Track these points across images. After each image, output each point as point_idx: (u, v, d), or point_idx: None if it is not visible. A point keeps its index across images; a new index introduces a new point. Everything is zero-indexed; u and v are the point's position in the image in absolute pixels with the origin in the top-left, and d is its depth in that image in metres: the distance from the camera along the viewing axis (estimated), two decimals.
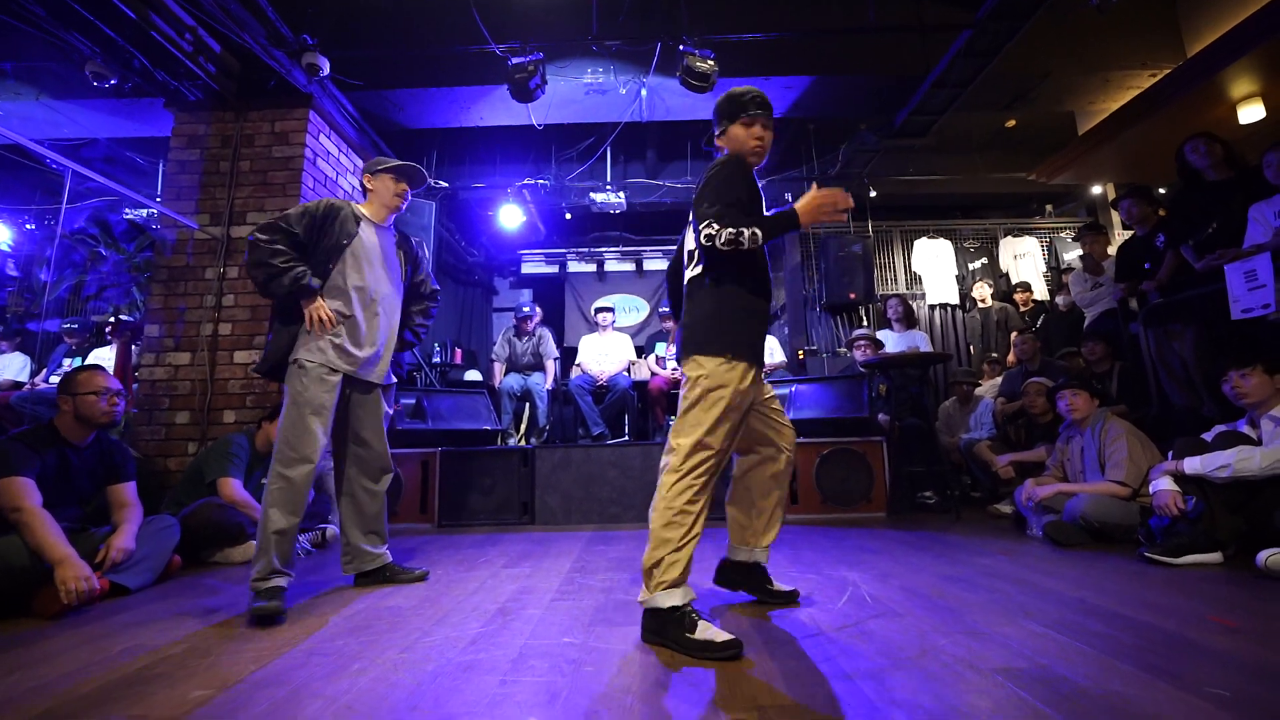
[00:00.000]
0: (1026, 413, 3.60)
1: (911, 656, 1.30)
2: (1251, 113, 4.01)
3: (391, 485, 3.44)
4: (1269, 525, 2.03)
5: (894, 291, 6.48)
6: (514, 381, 4.52)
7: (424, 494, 3.54)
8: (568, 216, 6.33)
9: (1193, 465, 2.22)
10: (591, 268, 7.64)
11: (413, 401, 3.82)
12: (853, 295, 5.70)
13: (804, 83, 4.49)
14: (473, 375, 5.97)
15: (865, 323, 6.08)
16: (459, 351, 5.57)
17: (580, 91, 4.50)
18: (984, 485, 3.95)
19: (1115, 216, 5.76)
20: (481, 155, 5.96)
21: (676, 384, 4.68)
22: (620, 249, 7.57)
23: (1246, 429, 2.30)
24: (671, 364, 4.84)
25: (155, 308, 3.40)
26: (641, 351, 5.40)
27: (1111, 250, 4.35)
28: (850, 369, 4.46)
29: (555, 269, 7.60)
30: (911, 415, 4.08)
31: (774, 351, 5.02)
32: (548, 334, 4.80)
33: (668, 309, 5.15)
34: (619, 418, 4.79)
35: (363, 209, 2.13)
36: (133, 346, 3.74)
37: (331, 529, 3.04)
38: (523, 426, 5.31)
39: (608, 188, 5.59)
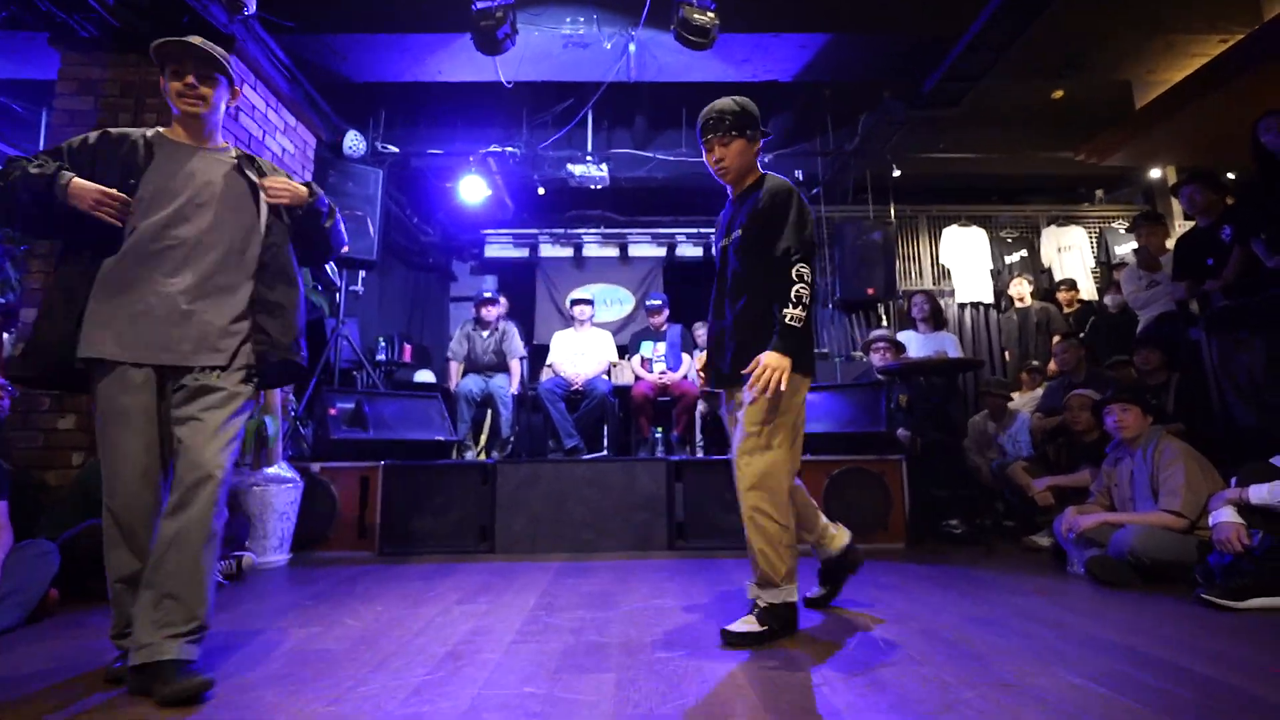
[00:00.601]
0: (1068, 430, 3.64)
1: (932, 712, 1.30)
2: None
3: (323, 505, 3.43)
4: None
5: (919, 287, 6.54)
6: (473, 384, 4.48)
7: (362, 516, 3.50)
8: (540, 191, 6.29)
9: (1259, 494, 2.25)
10: (568, 252, 7.62)
11: (351, 406, 3.77)
12: (871, 291, 5.74)
13: (820, 41, 4.51)
14: (425, 376, 5.91)
15: (885, 323, 6.13)
16: (408, 348, 5.52)
17: (557, 44, 4.48)
18: (1019, 513, 3.98)
19: (1176, 205, 5.86)
20: (440, 117, 5.91)
21: (664, 390, 4.68)
22: (602, 231, 7.56)
23: None
24: (660, 367, 4.83)
25: (34, 287, 3.31)
26: (624, 351, 5.39)
27: (1171, 244, 4.42)
28: (867, 376, 4.48)
29: (525, 252, 7.57)
30: (936, 431, 4.11)
31: None
32: (514, 329, 4.77)
33: (658, 302, 5.14)
34: (596, 428, 4.77)
35: (166, 131, 1.79)
36: (5, 334, 3.64)
37: (249, 557, 2.98)
38: (483, 437, 5.26)
39: (588, 159, 5.57)
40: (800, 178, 6.38)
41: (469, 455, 4.40)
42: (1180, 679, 1.48)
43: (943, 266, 6.64)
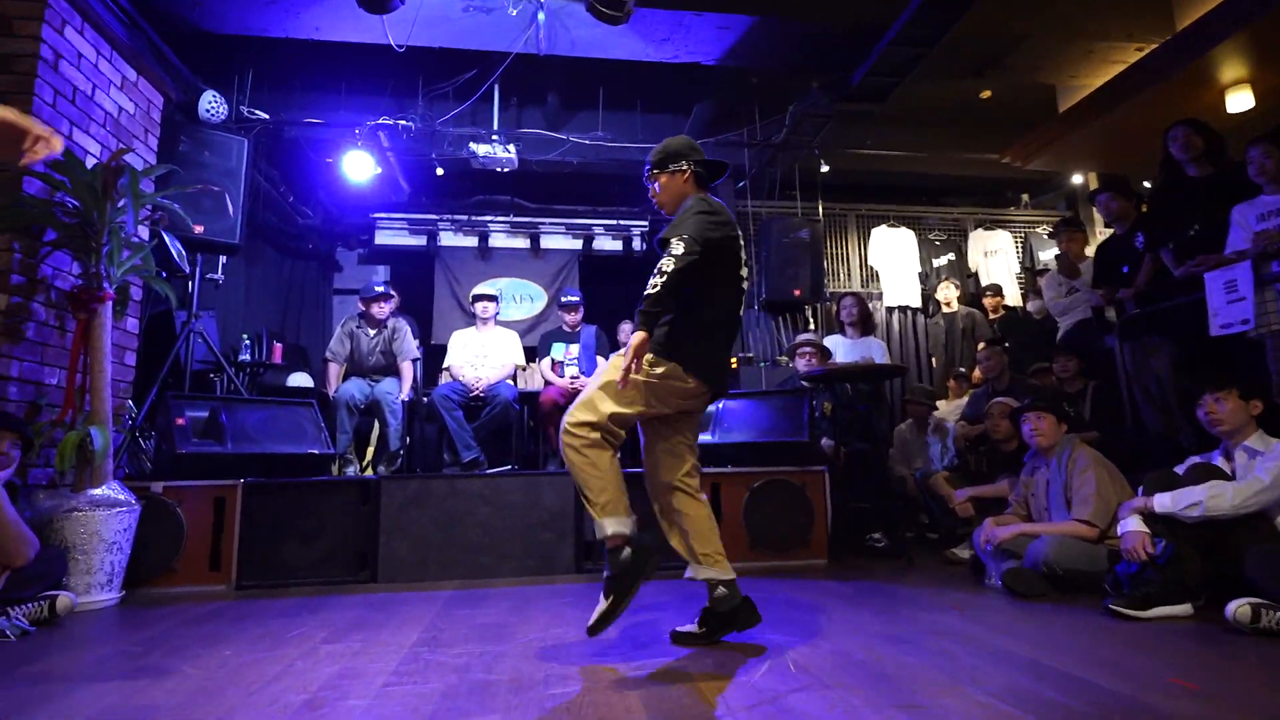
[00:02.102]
0: (989, 439, 3.89)
1: None
2: (1240, 100, 4.60)
3: (167, 532, 3.18)
4: (1240, 571, 2.29)
5: (846, 289, 6.82)
6: (356, 389, 4.28)
7: (216, 544, 3.28)
8: (440, 172, 6.13)
9: (1163, 503, 2.46)
10: (472, 241, 7.46)
11: (204, 415, 3.53)
12: (797, 292, 5.93)
13: (744, 23, 4.63)
14: (300, 380, 5.62)
15: (813, 326, 6.35)
16: (279, 347, 5.21)
17: (456, 7, 4.38)
18: (942, 524, 4.22)
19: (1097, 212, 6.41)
20: (319, 80, 5.64)
21: (576, 395, 4.64)
22: (511, 219, 7.46)
23: (1221, 461, 2.59)
24: (572, 370, 4.80)
25: None
26: (533, 354, 5.31)
27: (1091, 250, 4.82)
28: (792, 382, 4.63)
29: (423, 241, 7.35)
30: (860, 440, 4.29)
31: None
32: (406, 327, 4.60)
33: (574, 299, 5.11)
34: (500, 439, 4.68)
35: None
36: None
37: (66, 597, 2.72)
38: (368, 451, 5.05)
39: (494, 138, 5.48)
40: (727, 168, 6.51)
41: (350, 471, 4.21)
42: (1082, 692, 1.60)
43: (871, 268, 6.96)
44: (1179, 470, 2.61)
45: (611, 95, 6.19)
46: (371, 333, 4.52)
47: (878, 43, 4.65)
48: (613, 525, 2.01)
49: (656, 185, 2.31)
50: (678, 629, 2.20)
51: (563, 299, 5.22)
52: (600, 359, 4.94)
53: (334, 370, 4.45)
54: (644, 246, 7.78)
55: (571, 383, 4.70)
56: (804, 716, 1.47)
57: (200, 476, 3.32)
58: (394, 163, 5.78)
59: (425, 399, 4.63)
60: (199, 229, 3.85)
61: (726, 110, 6.23)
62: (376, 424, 4.55)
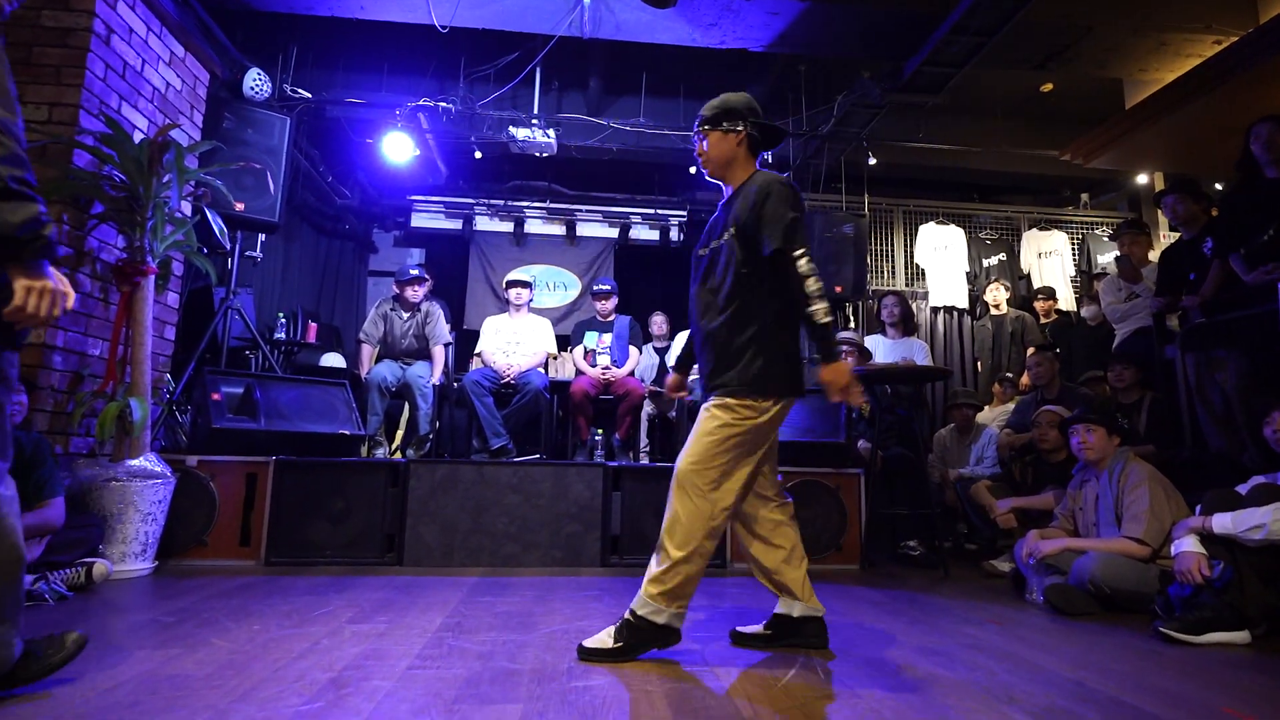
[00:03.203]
0: (1036, 448, 3.79)
1: None
2: None
3: (200, 505, 3.28)
4: None
5: (890, 287, 6.71)
6: (388, 371, 4.36)
7: (247, 519, 3.37)
8: (478, 156, 6.18)
9: (1222, 523, 2.38)
10: (507, 227, 7.52)
11: (240, 391, 3.63)
12: (839, 289, 5.84)
13: (794, 9, 4.56)
14: (333, 360, 5.74)
15: (853, 324, 6.26)
16: (314, 326, 5.33)
17: None
18: (982, 535, 4.14)
19: (1162, 214, 6.18)
20: (362, 60, 5.73)
21: (607, 387, 4.66)
22: (547, 205, 7.50)
23: None
24: (604, 360, 4.81)
25: None
26: (566, 342, 5.34)
27: (1155, 255, 4.66)
28: None
29: (458, 225, 7.43)
30: (898, 444, 4.22)
31: None
32: (439, 311, 4.66)
33: (607, 287, 5.12)
34: (530, 427, 4.72)
35: None
36: None
37: (103, 564, 2.83)
38: (398, 434, 5.14)
39: (534, 122, 5.50)
40: (769, 159, 6.45)
41: (379, 453, 4.29)
42: (1128, 718, 1.56)
43: (917, 266, 6.83)
44: (1241, 490, 2.52)
45: (654, 81, 6.17)
46: (405, 316, 4.60)
47: (935, 31, 4.53)
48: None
49: (705, 142, 2.14)
50: (739, 630, 2.19)
51: (596, 287, 5.23)
52: (633, 349, 4.95)
53: (367, 352, 4.54)
54: (681, 237, 7.76)
55: (604, 373, 4.71)
56: None
57: (233, 452, 3.42)
58: (433, 145, 5.85)
59: (456, 384, 4.69)
60: (240, 206, 3.95)
61: (773, 99, 6.16)
62: (407, 407, 4.63)
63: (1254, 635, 2.31)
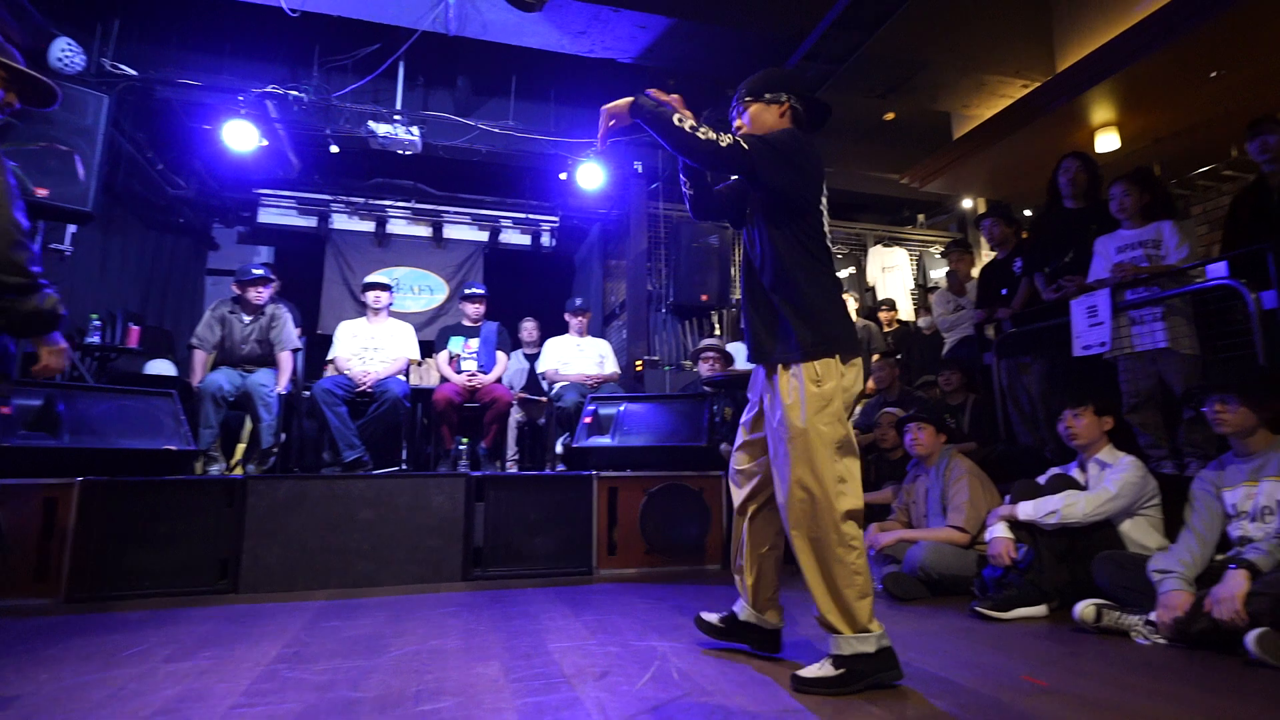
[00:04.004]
0: (878, 447, 4.10)
1: None
2: (1107, 141, 5.08)
3: None
4: (1089, 575, 2.52)
5: None
6: (225, 380, 3.97)
7: (45, 550, 2.94)
8: (334, 150, 5.84)
9: (1025, 511, 2.68)
10: (368, 226, 7.17)
11: (38, 404, 3.16)
12: (705, 297, 6.06)
13: (661, 24, 4.69)
14: (160, 368, 5.20)
15: (718, 331, 6.49)
16: (135, 330, 4.76)
17: None
18: None
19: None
20: (200, 39, 5.25)
21: (473, 394, 4.54)
22: (412, 205, 7.21)
23: (1076, 472, 2.85)
24: (470, 366, 4.67)
25: None
26: (430, 348, 5.15)
27: (976, 271, 5.18)
28: (694, 386, 4.71)
29: (313, 222, 6.99)
30: None
31: (605, 359, 5.12)
32: (287, 314, 4.32)
33: (479, 291, 4.98)
34: (389, 438, 4.50)
35: None
36: None
37: None
38: (238, 449, 4.74)
39: (397, 118, 5.28)
40: (640, 169, 6.58)
41: (214, 470, 3.92)
42: (942, 691, 1.71)
43: None
44: (1041, 480, 2.84)
45: (525, 85, 6.11)
46: (247, 319, 4.22)
47: (791, 56, 4.81)
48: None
49: (746, 116, 2.00)
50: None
51: (466, 290, 5.08)
52: (501, 355, 4.85)
53: (200, 358, 4.11)
54: (553, 243, 7.73)
55: (469, 379, 4.57)
56: None
57: (26, 474, 2.98)
58: (283, 136, 5.46)
59: (306, 393, 4.38)
60: (42, 192, 3.47)
61: None
62: (248, 419, 4.25)
63: (1050, 609, 2.61)
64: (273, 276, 4.36)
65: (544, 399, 5.09)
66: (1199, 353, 3.20)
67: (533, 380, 5.43)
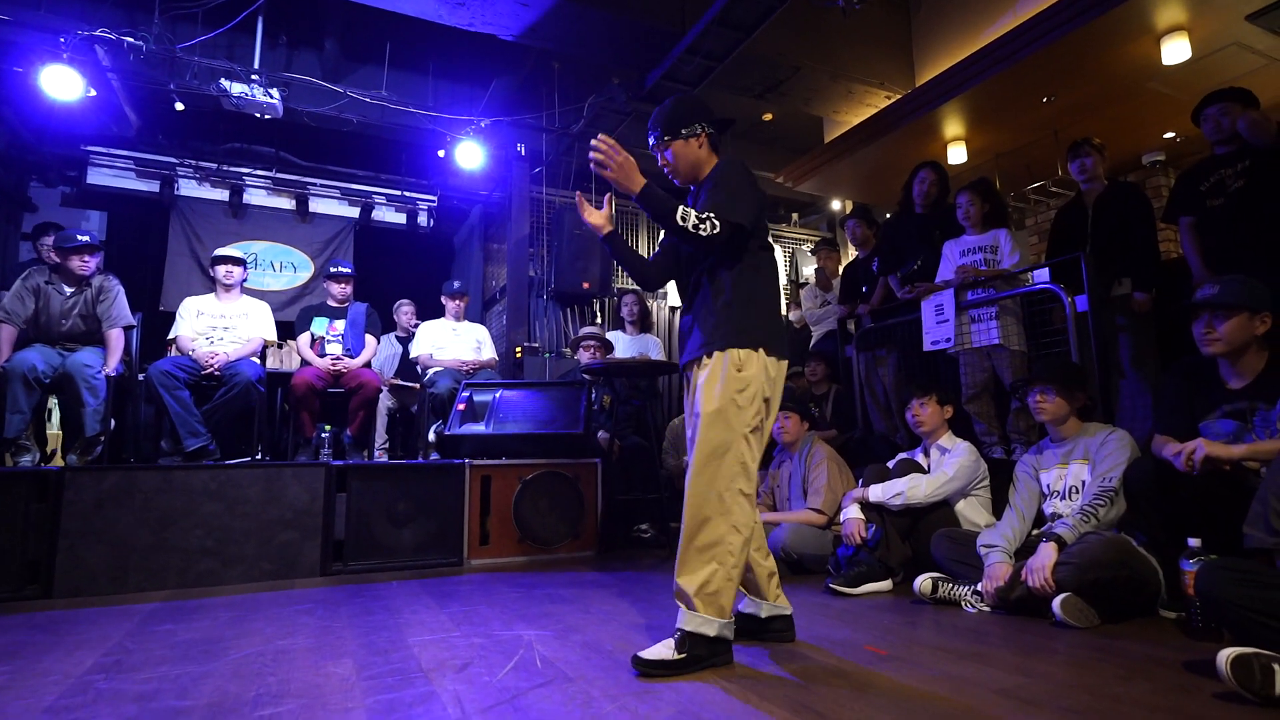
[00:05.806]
0: None
1: None
2: (957, 154, 5.51)
3: None
4: (929, 551, 2.73)
5: (631, 286, 7.06)
6: (39, 358, 3.47)
7: None
8: (180, 108, 5.28)
9: (875, 493, 2.87)
10: (221, 195, 6.56)
11: None
12: (586, 285, 6.03)
13: (545, 4, 4.59)
14: None
15: (600, 320, 6.50)
16: None
17: None
18: None
19: None
20: None
21: (337, 379, 4.28)
22: (274, 175, 6.68)
23: (921, 457, 3.08)
24: (334, 348, 4.39)
25: None
26: (291, 330, 4.80)
27: (841, 269, 5.47)
28: (574, 374, 4.68)
29: (155, 186, 6.29)
30: (635, 433, 4.46)
31: (482, 345, 4.98)
32: (118, 287, 3.84)
33: (346, 270, 4.70)
34: (240, 425, 4.15)
35: None
36: None
37: None
38: (52, 436, 4.23)
39: (254, 78, 4.86)
40: (523, 152, 6.44)
41: (25, 461, 3.45)
42: (793, 661, 1.80)
43: None
44: (890, 465, 3.05)
45: (401, 54, 5.81)
46: (68, 291, 3.72)
47: (673, 48, 4.85)
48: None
49: (669, 154, 2.08)
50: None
51: (333, 268, 4.77)
52: (370, 338, 4.59)
53: (7, 333, 3.57)
54: (431, 223, 7.42)
55: (334, 363, 4.30)
56: (540, 714, 1.46)
57: None
58: (117, 87, 4.87)
59: (141, 375, 3.94)
60: None
61: (525, 91, 6.14)
62: (68, 403, 3.77)
63: (895, 583, 2.82)
64: (99, 244, 3.86)
65: (417, 385, 4.88)
66: (1026, 349, 3.54)
67: (407, 365, 5.20)
